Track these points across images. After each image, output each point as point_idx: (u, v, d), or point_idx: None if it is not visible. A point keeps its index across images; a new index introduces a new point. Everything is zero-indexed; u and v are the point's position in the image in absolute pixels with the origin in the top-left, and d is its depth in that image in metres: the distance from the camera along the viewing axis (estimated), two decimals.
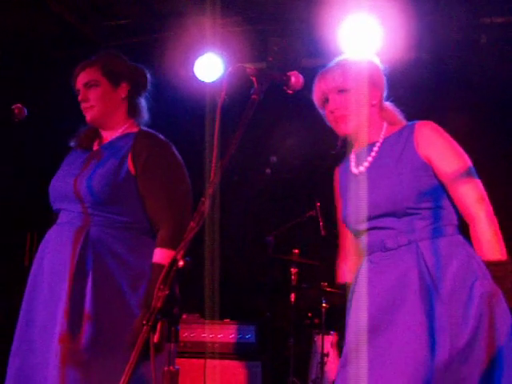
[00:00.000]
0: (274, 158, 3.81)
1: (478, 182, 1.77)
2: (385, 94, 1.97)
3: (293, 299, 3.85)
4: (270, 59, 4.08)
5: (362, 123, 1.89)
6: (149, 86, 2.26)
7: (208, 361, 3.82)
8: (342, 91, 1.88)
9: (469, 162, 1.79)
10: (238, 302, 4.45)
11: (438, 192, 1.78)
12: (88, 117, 2.16)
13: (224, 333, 3.93)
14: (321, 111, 1.96)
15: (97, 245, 2.01)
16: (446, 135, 1.82)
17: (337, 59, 1.96)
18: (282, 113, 4.44)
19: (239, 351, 3.89)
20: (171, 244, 1.97)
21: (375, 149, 1.88)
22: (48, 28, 4.26)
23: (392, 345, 1.66)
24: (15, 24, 4.16)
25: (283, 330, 4.04)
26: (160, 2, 4.08)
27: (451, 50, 4.04)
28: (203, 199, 1.41)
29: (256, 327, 3.97)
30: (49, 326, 1.97)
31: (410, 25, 3.71)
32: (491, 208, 1.75)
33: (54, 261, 2.03)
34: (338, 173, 2.05)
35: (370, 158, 1.88)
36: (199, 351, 3.86)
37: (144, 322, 1.34)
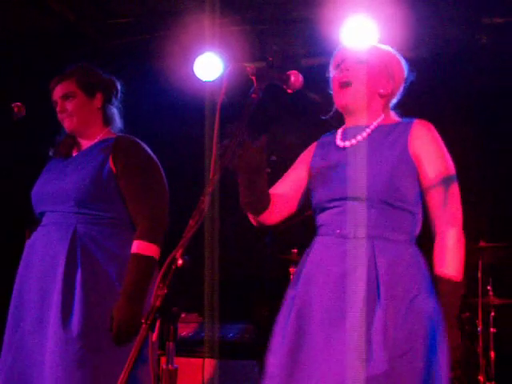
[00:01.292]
0: (273, 158, 3.81)
1: (458, 193, 1.74)
2: (396, 95, 1.93)
3: None
4: (270, 58, 4.08)
5: (360, 100, 1.84)
6: (120, 96, 2.40)
7: (206, 360, 3.82)
8: (358, 61, 1.85)
9: (452, 170, 1.76)
10: (237, 301, 4.45)
11: (414, 196, 1.75)
12: (67, 126, 2.29)
13: (222, 332, 3.93)
14: (331, 73, 1.92)
15: (84, 239, 2.12)
16: (440, 140, 1.79)
17: (372, 42, 1.99)
18: (282, 111, 4.44)
19: (237, 350, 3.89)
20: (148, 236, 2.12)
21: (367, 130, 1.83)
22: (48, 26, 4.26)
23: (326, 352, 1.63)
24: (15, 22, 4.16)
25: None
26: (160, 1, 4.08)
27: (451, 51, 4.05)
28: (202, 198, 1.41)
29: (254, 326, 3.97)
30: (41, 321, 2.05)
31: (409, 25, 3.71)
32: (462, 226, 1.72)
33: (43, 259, 2.13)
34: (314, 146, 1.97)
35: (359, 137, 1.82)
36: (197, 350, 3.86)
37: (143, 321, 1.34)
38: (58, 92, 2.28)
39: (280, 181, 1.95)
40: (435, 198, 1.73)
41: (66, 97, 2.26)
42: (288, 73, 1.67)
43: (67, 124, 2.28)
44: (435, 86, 4.11)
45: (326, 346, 1.64)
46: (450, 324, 1.64)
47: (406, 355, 1.58)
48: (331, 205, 1.78)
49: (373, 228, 1.71)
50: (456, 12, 3.85)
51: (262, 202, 1.84)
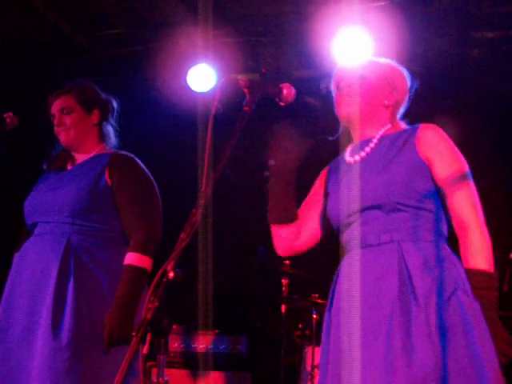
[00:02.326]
0: (272, 162, 3.80)
1: (474, 191, 1.74)
2: (403, 105, 1.95)
3: (284, 310, 3.84)
4: (263, 70, 4.09)
5: (363, 110, 1.85)
6: (116, 115, 2.46)
7: (198, 372, 3.80)
8: (361, 78, 1.87)
9: (466, 168, 1.76)
10: (229, 312, 4.44)
11: (431, 195, 1.74)
12: (63, 140, 2.33)
13: (214, 344, 3.92)
14: (333, 91, 1.94)
15: (78, 250, 2.15)
16: (449, 139, 1.80)
17: (371, 58, 1.98)
18: (281, 116, 4.44)
19: (230, 362, 3.87)
20: (141, 249, 2.16)
21: (374, 140, 1.85)
22: (42, 37, 4.27)
23: (368, 357, 1.62)
24: (9, 32, 4.17)
25: (274, 341, 4.03)
26: (153, 12, 4.09)
27: (443, 64, 4.08)
28: (194, 210, 1.41)
29: (247, 338, 3.95)
30: (30, 330, 2.07)
31: (401, 38, 3.74)
32: (483, 218, 1.71)
33: (35, 268, 2.15)
34: (326, 170, 2.00)
35: (367, 149, 1.84)
36: (189, 362, 3.84)
37: (133, 334, 1.33)
38: (56, 106, 2.33)
39: (300, 209, 1.95)
40: (452, 198, 1.72)
41: (64, 111, 2.31)
42: (281, 85, 1.67)
43: (63, 137, 2.32)
44: (426, 98, 4.13)
45: (367, 356, 1.63)
46: (489, 318, 1.61)
47: (450, 351, 1.56)
48: (350, 220, 1.79)
49: (396, 231, 1.71)
50: (447, 26, 3.88)
51: (291, 211, 1.88)
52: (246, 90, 1.61)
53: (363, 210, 1.75)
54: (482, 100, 4.18)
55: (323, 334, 1.81)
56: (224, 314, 4.28)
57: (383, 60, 1.97)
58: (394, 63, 1.96)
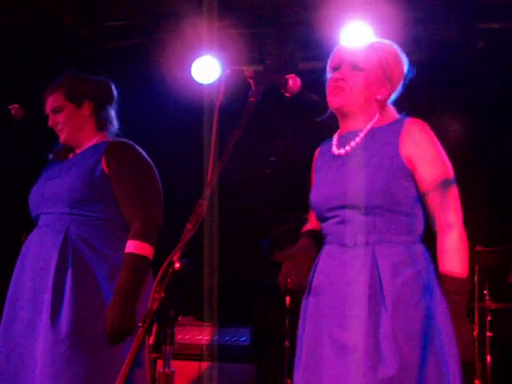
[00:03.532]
0: (273, 158, 3.80)
1: (457, 196, 1.72)
2: (394, 94, 1.89)
3: (288, 302, 3.85)
4: (267, 62, 4.09)
5: (355, 105, 1.82)
6: (114, 97, 2.39)
7: (203, 363, 3.81)
8: (355, 68, 1.82)
9: (450, 171, 1.74)
10: (233, 304, 4.45)
11: (409, 197, 1.73)
12: (60, 140, 2.32)
13: (219, 335, 3.93)
14: (327, 75, 1.89)
15: (76, 241, 2.14)
16: (434, 139, 1.75)
17: (373, 40, 1.91)
18: (281, 113, 4.44)
19: (234, 354, 3.88)
20: (142, 236, 2.13)
21: (361, 135, 1.81)
22: (46, 29, 4.26)
23: (333, 358, 1.64)
24: (13, 25, 4.16)
25: (278, 332, 4.03)
26: (158, 4, 4.08)
27: (448, 55, 4.06)
28: (200, 201, 1.41)
29: (251, 330, 3.96)
30: (33, 322, 2.08)
31: (407, 29, 3.72)
32: (462, 226, 1.71)
33: (36, 260, 2.15)
34: (318, 152, 1.97)
35: (353, 143, 1.81)
36: (194, 353, 3.85)
37: (140, 324, 1.34)
38: (48, 106, 2.32)
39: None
40: (433, 201, 1.72)
41: (55, 111, 2.30)
42: (286, 76, 1.66)
43: (60, 137, 2.32)
44: (431, 90, 4.12)
45: (335, 355, 1.65)
46: (458, 322, 1.64)
47: (412, 357, 1.59)
48: (331, 214, 1.79)
49: (372, 234, 1.71)
50: (453, 17, 3.86)
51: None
52: (251, 81, 1.61)
53: (343, 207, 1.75)
54: (487, 91, 4.16)
55: (299, 325, 1.82)
56: (229, 306, 4.29)
57: (382, 43, 1.90)
58: (392, 47, 1.89)
